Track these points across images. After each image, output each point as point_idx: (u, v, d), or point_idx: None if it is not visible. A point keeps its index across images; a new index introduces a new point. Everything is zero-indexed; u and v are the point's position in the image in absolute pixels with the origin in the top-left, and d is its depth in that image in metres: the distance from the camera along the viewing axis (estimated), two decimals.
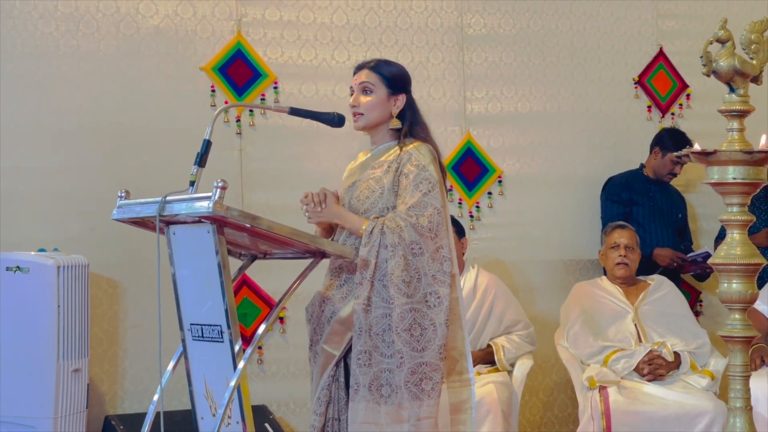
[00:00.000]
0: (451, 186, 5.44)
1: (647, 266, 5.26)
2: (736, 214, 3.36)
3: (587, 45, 5.73)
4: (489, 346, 4.90)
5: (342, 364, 3.28)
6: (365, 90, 3.37)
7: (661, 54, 5.85)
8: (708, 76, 3.37)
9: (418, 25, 5.43)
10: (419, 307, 3.16)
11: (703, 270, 5.40)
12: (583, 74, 5.73)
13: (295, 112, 3.36)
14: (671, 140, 5.46)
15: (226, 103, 5.04)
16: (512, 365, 4.88)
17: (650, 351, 4.72)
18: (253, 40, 5.15)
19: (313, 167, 5.15)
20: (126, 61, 4.96)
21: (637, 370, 4.69)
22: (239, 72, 5.10)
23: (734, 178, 3.31)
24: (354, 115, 3.37)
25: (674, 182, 5.66)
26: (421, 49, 5.44)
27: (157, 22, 5.02)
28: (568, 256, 5.66)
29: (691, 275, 5.62)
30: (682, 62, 5.85)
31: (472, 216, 5.51)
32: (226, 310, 2.99)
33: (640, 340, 4.82)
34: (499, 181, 5.56)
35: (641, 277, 5.12)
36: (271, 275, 4.86)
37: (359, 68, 3.42)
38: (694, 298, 5.76)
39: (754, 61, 3.35)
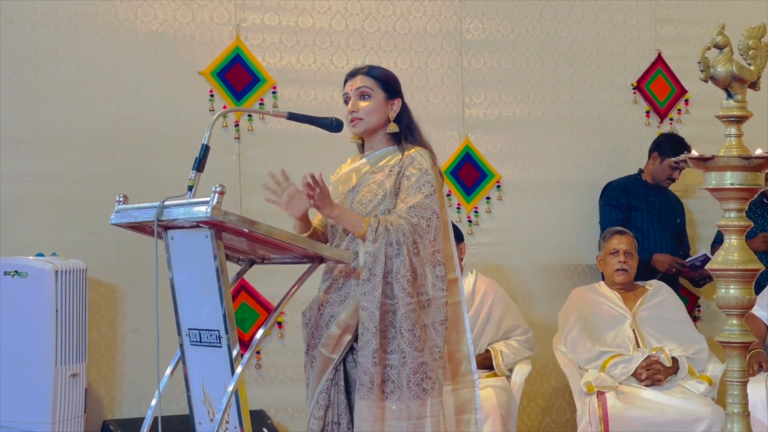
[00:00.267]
0: (450, 191, 5.44)
1: (646, 272, 5.26)
2: (734, 219, 3.37)
3: (586, 50, 5.74)
4: (487, 351, 4.90)
5: (341, 368, 3.28)
6: (363, 95, 3.37)
7: (659, 59, 5.86)
8: (706, 81, 3.37)
9: (416, 29, 5.44)
10: (417, 308, 3.17)
11: (701, 275, 5.40)
12: (582, 79, 5.73)
13: (293, 117, 3.36)
14: (670, 145, 5.46)
15: (224, 107, 5.04)
16: (510, 370, 4.88)
17: (648, 356, 4.72)
18: (252, 44, 5.16)
19: (311, 172, 5.14)
20: (125, 66, 4.97)
21: (635, 375, 4.69)
22: (238, 77, 5.11)
23: (732, 184, 3.31)
24: (352, 120, 3.37)
25: (673, 187, 5.66)
26: (419, 53, 5.44)
27: (156, 27, 5.03)
28: (567, 261, 5.66)
29: (687, 280, 5.63)
30: (681, 67, 5.85)
31: (470, 221, 5.51)
32: (224, 315, 2.98)
33: (638, 346, 4.82)
34: (498, 186, 5.56)
35: (639, 283, 5.12)
36: (269, 280, 4.86)
37: (353, 74, 3.42)
38: (692, 304, 5.77)
39: (752, 67, 3.35)
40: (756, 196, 3.46)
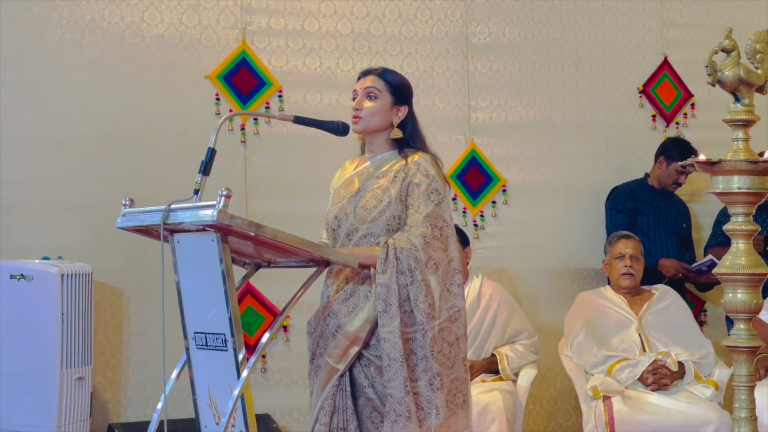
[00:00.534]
0: (456, 195, 5.44)
1: (652, 277, 5.25)
2: (741, 223, 3.36)
3: (592, 54, 5.73)
4: (493, 355, 4.89)
5: (347, 374, 3.27)
6: (370, 95, 3.37)
7: (665, 63, 5.85)
8: (713, 85, 3.37)
9: (422, 33, 5.44)
10: (445, 325, 3.18)
11: (708, 279, 5.39)
12: (588, 83, 5.73)
13: (299, 120, 3.36)
14: (676, 150, 5.45)
15: (230, 111, 5.05)
16: (516, 374, 4.87)
17: (654, 361, 4.71)
18: (257, 48, 5.16)
19: (317, 175, 5.11)
20: (131, 69, 4.97)
21: (642, 379, 4.68)
22: (244, 80, 5.11)
23: (739, 188, 3.30)
24: (354, 117, 3.37)
25: (679, 192, 5.65)
26: (425, 57, 5.44)
27: (162, 31, 5.03)
28: (572, 266, 5.65)
29: (693, 285, 5.62)
30: (687, 71, 5.84)
31: (476, 225, 5.51)
32: (230, 319, 2.98)
33: (645, 350, 4.81)
34: (504, 190, 5.56)
35: (645, 287, 5.11)
36: (274, 284, 4.86)
37: (366, 73, 3.42)
38: (698, 308, 5.75)
39: (759, 71, 3.34)
40: (764, 200, 3.45)
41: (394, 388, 3.14)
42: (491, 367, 4.85)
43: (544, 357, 5.10)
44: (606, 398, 4.55)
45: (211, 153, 3.15)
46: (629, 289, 5.01)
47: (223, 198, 2.88)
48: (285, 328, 5.11)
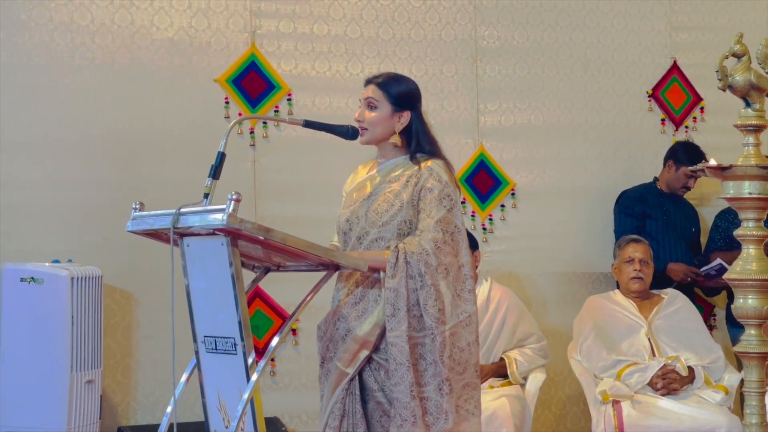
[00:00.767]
0: (464, 198, 5.43)
1: (661, 281, 5.24)
2: (752, 229, 3.34)
3: (601, 57, 5.73)
4: (502, 359, 4.89)
5: (357, 378, 3.27)
6: (370, 105, 3.38)
7: (674, 67, 5.84)
8: (724, 90, 3.36)
9: (431, 37, 5.44)
10: (456, 330, 3.18)
11: (717, 284, 5.37)
12: (597, 87, 5.72)
13: (309, 124, 3.36)
14: (685, 154, 5.44)
15: (240, 115, 5.05)
16: (525, 378, 4.87)
17: (664, 365, 4.70)
18: (267, 52, 5.16)
19: (326, 179, 5.13)
20: (140, 73, 4.98)
21: (651, 384, 4.67)
22: (253, 84, 5.12)
23: (750, 193, 3.29)
24: (360, 129, 3.38)
25: (688, 196, 5.64)
26: (434, 61, 5.44)
27: (172, 35, 5.04)
28: (581, 269, 5.64)
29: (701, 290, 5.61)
30: (696, 75, 5.83)
31: (485, 228, 5.50)
32: (240, 323, 2.98)
33: (654, 354, 4.80)
34: (512, 194, 5.55)
35: (655, 291, 5.10)
36: (283, 287, 4.85)
37: (368, 82, 3.43)
38: (707, 312, 5.74)
39: None
40: None
41: (400, 392, 3.15)
42: (500, 371, 4.85)
43: (552, 361, 5.10)
44: (615, 403, 4.55)
45: (221, 157, 3.16)
46: (639, 293, 5.00)
47: (233, 202, 2.89)
48: (294, 331, 5.11)
